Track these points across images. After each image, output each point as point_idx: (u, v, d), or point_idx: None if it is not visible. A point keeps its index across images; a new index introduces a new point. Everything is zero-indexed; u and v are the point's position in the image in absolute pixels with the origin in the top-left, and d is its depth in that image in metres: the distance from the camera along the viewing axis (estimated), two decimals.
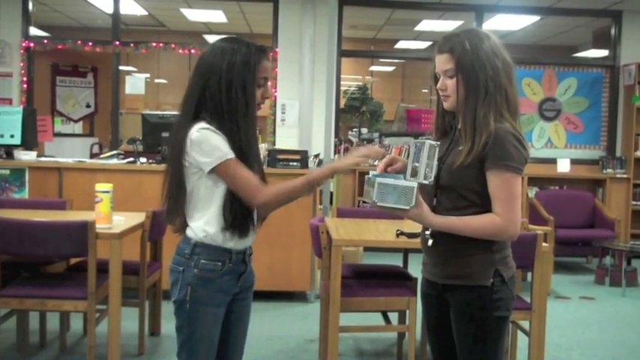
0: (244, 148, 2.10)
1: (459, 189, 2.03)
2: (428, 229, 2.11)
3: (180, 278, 2.13)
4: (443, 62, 2.05)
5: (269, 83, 2.15)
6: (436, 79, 2.10)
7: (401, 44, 11.36)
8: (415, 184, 1.94)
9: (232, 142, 2.08)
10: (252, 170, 2.11)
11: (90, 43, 7.75)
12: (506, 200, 1.97)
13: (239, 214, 2.09)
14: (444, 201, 2.06)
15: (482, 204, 2.01)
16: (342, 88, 8.95)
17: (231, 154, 2.06)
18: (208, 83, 2.09)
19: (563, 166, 8.03)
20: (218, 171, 2.06)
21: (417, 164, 2.06)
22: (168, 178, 2.17)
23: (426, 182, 1.99)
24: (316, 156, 6.20)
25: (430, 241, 2.10)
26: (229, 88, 2.07)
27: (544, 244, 3.51)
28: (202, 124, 2.07)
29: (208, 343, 2.14)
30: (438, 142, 2.01)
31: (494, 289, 2.02)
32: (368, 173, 2.09)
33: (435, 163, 1.99)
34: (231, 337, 2.24)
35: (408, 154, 1.99)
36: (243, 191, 2.07)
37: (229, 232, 2.10)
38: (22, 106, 7.07)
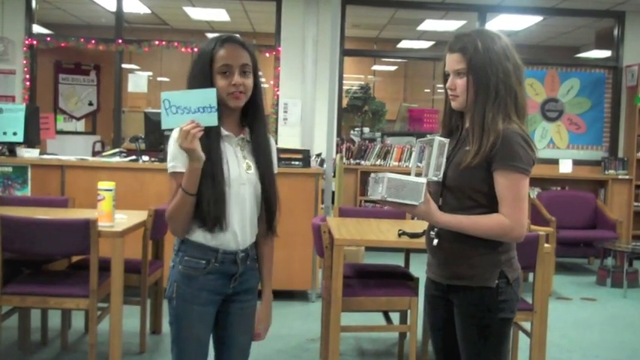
0: (206, 148, 1.99)
1: (466, 189, 2.02)
2: (433, 229, 2.10)
3: (170, 275, 2.15)
4: (454, 61, 2.04)
5: (245, 71, 2.02)
6: (445, 78, 2.09)
7: (403, 44, 11.35)
8: (424, 180, 1.95)
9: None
10: (216, 169, 2.01)
11: (93, 41, 7.77)
12: (513, 201, 1.97)
13: (209, 212, 2.03)
14: (450, 201, 2.06)
15: (489, 205, 2.00)
16: (345, 88, 8.93)
17: (176, 168, 2.02)
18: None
19: (566, 167, 8.02)
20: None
21: (420, 164, 2.06)
22: None
23: (434, 179, 1.99)
24: (318, 155, 6.19)
25: (435, 241, 2.09)
26: (192, 83, 2.06)
27: (546, 245, 3.51)
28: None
29: (195, 341, 2.13)
30: (447, 140, 2.01)
31: (499, 290, 2.02)
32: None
33: (444, 160, 1.99)
34: (230, 339, 2.23)
35: (411, 154, 2.00)
36: None
37: (204, 229, 2.06)
38: (24, 104, 7.06)
